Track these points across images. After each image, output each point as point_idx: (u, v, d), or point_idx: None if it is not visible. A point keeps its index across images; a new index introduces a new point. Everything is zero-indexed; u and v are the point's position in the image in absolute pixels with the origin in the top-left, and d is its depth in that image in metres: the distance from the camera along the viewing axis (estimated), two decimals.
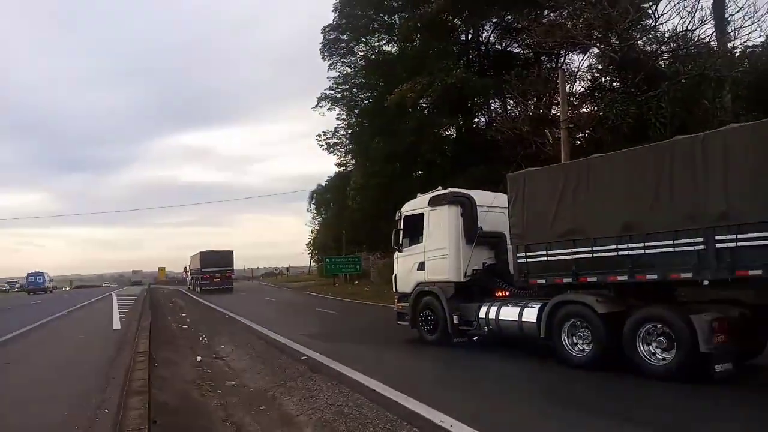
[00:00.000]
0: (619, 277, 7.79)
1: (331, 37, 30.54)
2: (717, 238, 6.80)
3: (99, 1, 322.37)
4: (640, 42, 19.31)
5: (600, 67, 21.03)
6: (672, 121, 16.30)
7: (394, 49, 30.19)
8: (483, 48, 28.21)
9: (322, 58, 31.31)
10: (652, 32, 19.27)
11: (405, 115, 25.55)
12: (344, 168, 37.84)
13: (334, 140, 35.38)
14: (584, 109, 20.87)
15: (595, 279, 8.10)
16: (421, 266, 11.55)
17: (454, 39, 27.61)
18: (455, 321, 10.45)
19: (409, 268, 11.97)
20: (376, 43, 30.88)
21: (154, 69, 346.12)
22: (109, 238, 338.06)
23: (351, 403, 6.79)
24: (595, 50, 20.39)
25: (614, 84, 20.30)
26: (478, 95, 26.43)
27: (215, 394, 7.97)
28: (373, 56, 30.68)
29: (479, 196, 11.47)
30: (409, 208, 12.42)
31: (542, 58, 24.18)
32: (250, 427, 6.35)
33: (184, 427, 5.64)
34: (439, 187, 12.12)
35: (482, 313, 9.79)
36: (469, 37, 28.18)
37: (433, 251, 11.24)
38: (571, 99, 20.15)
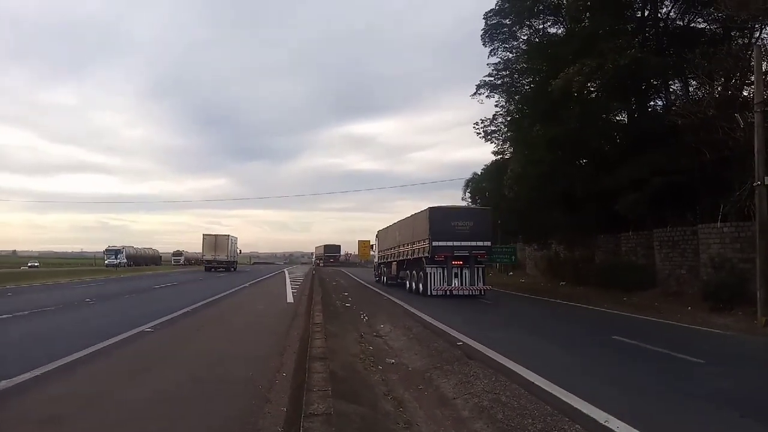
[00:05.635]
0: (397, 259, 27.88)
1: (493, 22, 29.85)
2: (412, 247, 24.08)
3: (275, 4, 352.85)
4: None
5: None
6: None
7: (560, 31, 28.64)
8: (661, 25, 25.64)
9: (483, 44, 30.77)
10: None
11: (569, 100, 24.14)
12: (501, 156, 36.90)
13: (492, 128, 34.52)
14: None
15: (391, 260, 29.40)
16: (376, 256, 36.22)
17: (629, 16, 25.45)
18: (376, 274, 35.18)
19: (375, 256, 36.90)
20: (541, 26, 29.51)
21: (323, 61, 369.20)
22: (282, 220, 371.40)
23: (508, 393, 6.75)
24: None
25: None
26: (654, 76, 24.14)
27: (377, 370, 8.46)
28: (537, 39, 29.38)
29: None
30: (376, 235, 35.27)
31: (733, 33, 21.29)
32: (409, 404, 6.64)
33: (351, 396, 6.09)
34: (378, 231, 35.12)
35: (380, 271, 33.54)
36: (646, 13, 25.76)
37: (376, 251, 35.40)
38: None
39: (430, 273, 21.51)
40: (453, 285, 21.38)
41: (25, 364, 7.38)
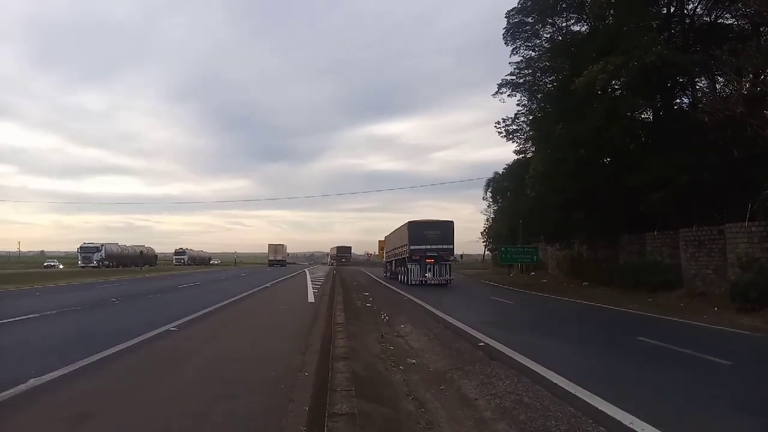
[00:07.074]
0: (394, 258, 36.79)
1: (515, 20, 29.67)
2: (401, 249, 33.04)
3: (297, 7, 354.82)
4: None
5: None
6: None
7: (583, 29, 28.36)
8: (687, 21, 25.18)
9: (505, 43, 30.60)
10: None
11: (593, 98, 23.87)
12: (523, 155, 36.68)
13: (514, 127, 34.27)
14: None
15: (392, 259, 38.54)
16: (384, 256, 48.19)
17: (654, 13, 25.04)
18: (384, 271, 44.09)
19: (385, 254, 46.79)
20: (564, 24, 29.26)
21: (345, 64, 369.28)
22: (303, 221, 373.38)
23: (531, 394, 6.69)
24: None
25: None
26: (680, 74, 23.73)
27: (398, 370, 8.44)
28: (560, 37, 29.14)
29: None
30: (384, 238, 47.04)
31: (761, 29, 20.83)
32: (431, 404, 6.62)
33: (373, 396, 6.10)
34: (384, 237, 48.69)
35: (386, 268, 42.29)
36: (672, 10, 25.33)
37: (384, 252, 47.58)
38: None
39: (411, 268, 30.28)
40: (427, 277, 29.67)
41: (54, 362, 7.55)
